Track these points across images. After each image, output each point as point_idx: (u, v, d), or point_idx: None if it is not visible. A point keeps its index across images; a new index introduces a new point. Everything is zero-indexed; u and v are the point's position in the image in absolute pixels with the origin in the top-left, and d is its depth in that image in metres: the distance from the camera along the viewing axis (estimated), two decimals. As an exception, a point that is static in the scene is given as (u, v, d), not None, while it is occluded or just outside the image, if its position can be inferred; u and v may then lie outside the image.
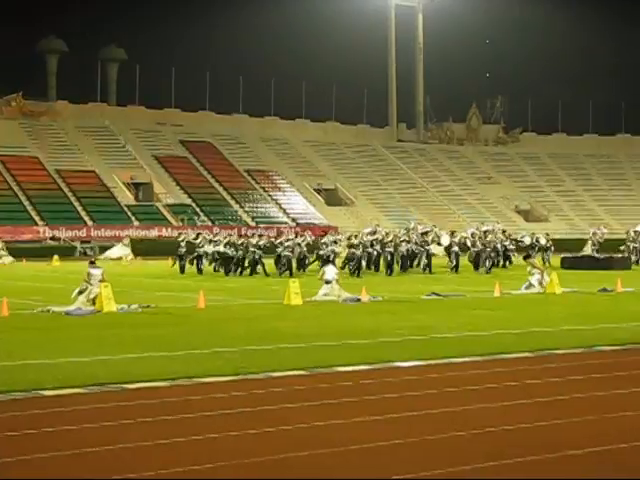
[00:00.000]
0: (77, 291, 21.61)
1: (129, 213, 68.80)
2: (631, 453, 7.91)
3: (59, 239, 61.75)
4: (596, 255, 42.27)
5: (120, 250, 48.59)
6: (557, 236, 57.72)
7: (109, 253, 48.79)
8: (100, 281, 21.50)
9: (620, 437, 8.36)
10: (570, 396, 10.38)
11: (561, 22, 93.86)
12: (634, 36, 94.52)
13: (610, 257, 42.27)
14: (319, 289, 24.38)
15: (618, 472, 7.37)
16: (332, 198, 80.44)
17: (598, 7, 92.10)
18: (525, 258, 30.06)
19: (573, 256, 41.90)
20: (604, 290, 26.94)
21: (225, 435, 8.56)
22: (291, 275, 32.22)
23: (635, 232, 45.39)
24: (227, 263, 35.09)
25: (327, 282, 24.37)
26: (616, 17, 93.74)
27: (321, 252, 34.41)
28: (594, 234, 45.45)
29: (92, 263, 22.77)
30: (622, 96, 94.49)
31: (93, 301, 21.22)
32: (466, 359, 13.33)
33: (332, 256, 32.02)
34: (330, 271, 24.73)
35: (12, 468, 7.51)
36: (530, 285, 26.98)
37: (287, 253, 34.56)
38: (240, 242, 35.58)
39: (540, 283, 26.75)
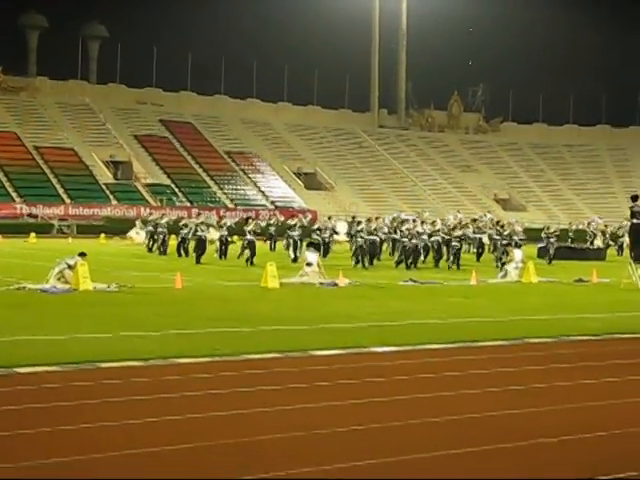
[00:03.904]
0: (56, 271, 21.39)
1: (107, 192, 68.55)
2: (604, 442, 7.98)
3: (36, 216, 61.46)
4: (572, 245, 42.57)
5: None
6: (535, 226, 57.90)
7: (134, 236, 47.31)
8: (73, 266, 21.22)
9: (594, 426, 8.43)
10: (545, 384, 10.46)
11: (544, 13, 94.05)
12: (616, 28, 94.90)
13: (586, 248, 42.58)
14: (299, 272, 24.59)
15: (590, 460, 7.44)
16: (311, 182, 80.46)
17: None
18: (505, 246, 30.13)
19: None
20: (580, 280, 27.14)
21: (200, 416, 8.57)
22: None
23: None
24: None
25: (308, 264, 24.51)
26: (599, 9, 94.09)
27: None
28: (589, 225, 45.67)
29: (82, 254, 22.14)
30: (603, 87, 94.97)
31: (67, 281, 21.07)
32: (442, 346, 13.39)
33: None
34: (312, 255, 24.92)
35: (-15, 444, 7.50)
36: (506, 274, 27.15)
37: (316, 237, 34.66)
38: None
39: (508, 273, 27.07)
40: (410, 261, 31.07)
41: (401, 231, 33.21)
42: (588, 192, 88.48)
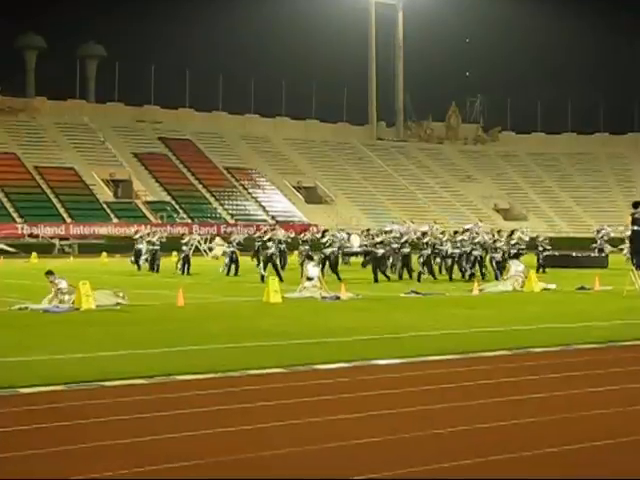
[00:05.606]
0: (47, 299, 21.26)
1: (108, 210, 68.65)
2: (607, 452, 7.95)
3: (37, 236, 61.49)
4: (573, 253, 42.48)
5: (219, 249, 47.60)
6: (536, 234, 57.88)
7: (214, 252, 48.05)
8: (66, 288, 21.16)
9: (597, 435, 8.40)
10: (547, 394, 10.42)
11: (541, 22, 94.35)
12: (613, 37, 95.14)
13: (588, 255, 42.50)
14: (299, 286, 24.59)
15: (594, 470, 7.41)
16: (312, 196, 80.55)
17: (578, 8, 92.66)
18: (516, 257, 29.42)
19: (551, 254, 41.94)
20: (582, 288, 27.09)
21: (202, 433, 8.54)
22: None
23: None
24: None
25: (309, 279, 24.52)
26: (596, 18, 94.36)
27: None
28: (598, 232, 45.41)
29: (50, 273, 22.05)
30: (601, 95, 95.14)
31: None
32: (444, 357, 13.36)
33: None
34: (313, 269, 24.91)
35: (-11, 466, 7.47)
36: (505, 281, 27.16)
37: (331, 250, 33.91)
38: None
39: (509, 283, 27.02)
40: (480, 272, 31.15)
41: (456, 242, 32.09)
42: (588, 200, 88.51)
